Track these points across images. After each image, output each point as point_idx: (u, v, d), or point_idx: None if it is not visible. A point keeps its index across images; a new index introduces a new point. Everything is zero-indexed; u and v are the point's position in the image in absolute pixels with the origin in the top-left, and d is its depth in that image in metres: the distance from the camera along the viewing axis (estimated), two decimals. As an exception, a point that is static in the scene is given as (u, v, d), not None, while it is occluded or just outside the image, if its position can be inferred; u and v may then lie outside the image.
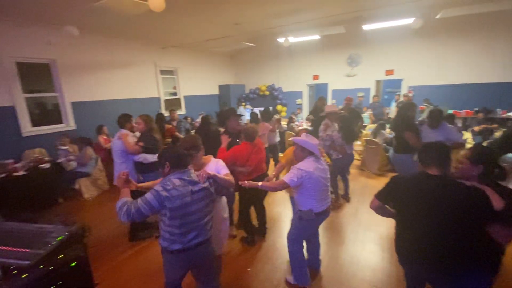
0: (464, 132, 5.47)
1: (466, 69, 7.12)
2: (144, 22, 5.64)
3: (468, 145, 4.81)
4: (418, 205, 1.51)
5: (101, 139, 5.50)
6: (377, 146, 5.40)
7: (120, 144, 3.17)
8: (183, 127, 5.41)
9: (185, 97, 8.96)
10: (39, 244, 1.67)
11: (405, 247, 1.62)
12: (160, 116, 5.75)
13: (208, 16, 5.86)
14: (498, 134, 5.27)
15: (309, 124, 7.67)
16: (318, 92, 10.90)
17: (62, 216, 1.97)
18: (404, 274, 1.85)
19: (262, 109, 5.55)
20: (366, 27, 6.98)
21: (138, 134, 3.41)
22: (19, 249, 1.62)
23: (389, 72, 8.17)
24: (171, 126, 5.30)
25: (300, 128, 7.37)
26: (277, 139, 5.35)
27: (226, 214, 2.23)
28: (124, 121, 3.37)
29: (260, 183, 2.26)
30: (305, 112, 9.82)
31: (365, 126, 7.33)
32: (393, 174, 1.92)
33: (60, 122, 5.73)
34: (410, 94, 7.70)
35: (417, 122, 4.50)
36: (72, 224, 1.92)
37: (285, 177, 2.18)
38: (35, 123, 5.27)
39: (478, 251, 1.44)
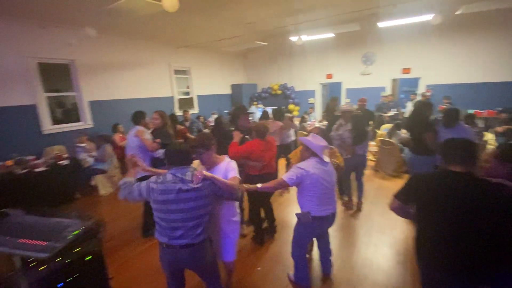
0: (485, 133, 5.23)
1: (488, 67, 6.79)
2: (159, 22, 5.74)
3: (490, 146, 4.59)
4: (447, 205, 1.40)
5: (117, 137, 5.66)
6: (392, 147, 5.25)
7: (137, 140, 3.26)
8: (196, 127, 5.46)
9: (198, 96, 9.06)
10: (56, 238, 1.73)
11: (429, 250, 1.51)
12: (173, 117, 5.85)
13: (221, 16, 5.89)
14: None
15: (322, 123, 7.58)
16: (332, 91, 10.73)
17: (78, 211, 2.03)
18: (420, 279, 1.70)
19: (273, 108, 5.50)
20: (381, 24, 6.79)
21: (149, 131, 3.50)
22: (38, 242, 1.68)
23: (406, 71, 7.93)
24: (183, 127, 5.37)
25: (312, 127, 7.30)
26: (291, 138, 5.18)
27: (235, 218, 2.09)
28: (139, 118, 3.46)
29: (259, 185, 2.21)
30: (318, 111, 9.70)
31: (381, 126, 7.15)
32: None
33: (78, 120, 5.94)
34: (428, 93, 7.44)
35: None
36: (88, 219, 1.98)
37: (284, 175, 2.17)
38: (55, 121, 5.49)
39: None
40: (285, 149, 4.96)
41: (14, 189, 3.92)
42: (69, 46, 5.17)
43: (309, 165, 2.12)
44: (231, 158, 2.83)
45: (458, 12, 5.87)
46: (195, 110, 8.87)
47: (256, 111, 8.63)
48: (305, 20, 6.49)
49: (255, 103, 9.94)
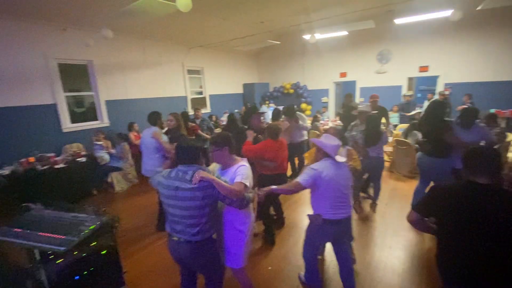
0: (508, 134, 4.97)
1: (510, 65, 6.46)
2: (173, 23, 5.83)
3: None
4: (478, 222, 1.30)
5: (132, 135, 5.79)
6: (408, 147, 5.09)
7: (155, 142, 3.39)
8: (206, 125, 5.48)
9: (211, 96, 9.14)
10: (73, 232, 1.79)
11: (456, 267, 1.40)
12: (184, 114, 5.93)
13: (234, 16, 5.92)
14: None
15: (337, 121, 7.45)
16: (346, 89, 10.54)
17: (94, 207, 2.09)
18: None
19: (284, 106, 5.39)
20: (398, 21, 6.60)
21: (163, 130, 3.58)
22: (56, 235, 1.74)
23: (424, 69, 7.67)
24: (194, 124, 5.44)
25: (327, 127, 7.20)
26: (303, 138, 5.09)
27: (242, 227, 1.93)
28: (155, 118, 3.56)
29: (273, 187, 2.15)
30: (331, 110, 9.56)
31: (396, 126, 6.97)
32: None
33: (96, 119, 6.12)
34: (447, 92, 7.16)
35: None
36: (104, 215, 2.04)
37: (298, 177, 2.08)
38: (73, 120, 5.69)
39: None
40: (295, 148, 4.90)
41: (36, 185, 4.10)
42: (87, 47, 5.34)
43: (322, 166, 2.05)
44: (244, 155, 2.89)
45: (479, 8, 5.61)
46: (207, 110, 8.95)
47: (268, 111, 8.60)
48: (318, 18, 6.41)
49: (267, 102, 9.91)
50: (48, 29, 5.00)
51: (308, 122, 7.76)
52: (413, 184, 3.71)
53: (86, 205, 2.09)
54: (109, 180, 5.13)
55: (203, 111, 8.59)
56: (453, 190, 1.43)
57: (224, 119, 8.55)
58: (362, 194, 4.10)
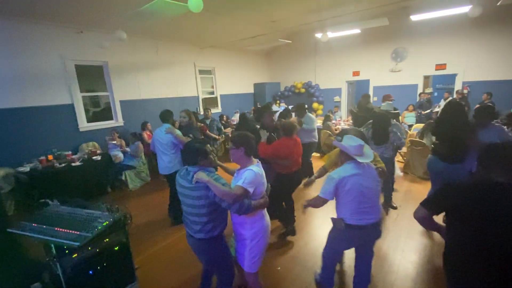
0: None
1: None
2: (185, 24, 5.91)
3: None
4: (488, 220, 1.23)
5: (145, 134, 5.92)
6: (423, 148, 4.94)
7: (170, 136, 3.47)
8: (216, 126, 5.51)
9: (221, 95, 9.20)
10: (87, 228, 1.84)
11: (463, 269, 1.34)
12: (194, 114, 6.01)
13: (245, 15, 5.92)
14: None
15: (349, 120, 7.33)
16: (359, 88, 10.37)
17: (108, 204, 2.14)
18: None
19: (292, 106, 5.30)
20: (414, 17, 6.40)
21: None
22: (71, 231, 1.80)
23: (441, 67, 7.42)
24: (202, 124, 5.50)
25: (338, 126, 7.09)
26: (312, 139, 4.88)
27: (246, 231, 1.90)
28: (167, 116, 3.66)
29: (305, 204, 2.15)
30: (344, 110, 9.41)
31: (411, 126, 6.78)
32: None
33: (111, 118, 6.30)
34: (465, 91, 6.90)
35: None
36: (116, 212, 2.09)
37: (320, 191, 2.00)
38: (89, 120, 5.87)
39: None
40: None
41: (53, 182, 4.26)
42: (102, 49, 5.49)
43: (342, 172, 1.95)
44: (262, 156, 2.92)
45: (499, 3, 5.37)
46: (218, 109, 9.02)
47: (279, 110, 8.57)
48: (330, 16, 6.31)
49: (277, 101, 9.88)
50: (66, 32, 5.18)
51: (319, 122, 7.70)
52: (429, 186, 3.59)
53: (99, 202, 2.15)
54: (122, 178, 5.26)
55: (214, 110, 8.69)
56: (467, 187, 1.36)
57: (235, 119, 8.59)
58: None
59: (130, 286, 2.21)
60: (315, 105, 9.59)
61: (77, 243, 1.70)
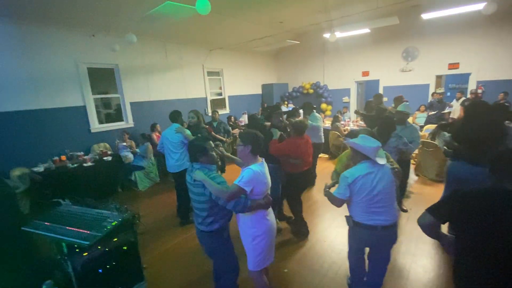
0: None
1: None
2: (193, 26, 5.97)
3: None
4: (499, 231, 1.16)
5: (154, 135, 6.00)
6: (435, 149, 4.82)
7: (180, 136, 3.57)
8: (223, 128, 5.52)
9: (229, 96, 9.24)
10: (97, 227, 1.89)
11: (473, 283, 1.27)
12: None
13: (253, 16, 5.94)
14: None
15: (358, 121, 7.23)
16: (368, 89, 10.22)
17: (117, 204, 2.19)
18: None
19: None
20: (425, 16, 6.26)
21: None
22: (81, 230, 1.84)
23: (454, 66, 7.22)
24: (207, 126, 5.54)
25: (347, 127, 7.01)
26: (318, 140, 4.77)
27: (248, 230, 1.93)
28: (176, 116, 3.77)
29: (325, 193, 2.14)
30: (353, 110, 9.29)
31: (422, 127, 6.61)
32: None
33: (121, 120, 6.42)
34: (480, 91, 6.69)
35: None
36: (125, 212, 2.13)
37: (334, 191, 1.99)
38: (101, 121, 6.01)
39: None
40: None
41: (66, 181, 4.37)
42: (113, 52, 5.62)
43: (356, 171, 1.92)
44: (273, 154, 2.98)
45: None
46: (226, 110, 9.07)
47: (287, 110, 8.54)
48: (338, 16, 6.25)
49: (285, 102, 9.85)
50: (79, 36, 5.33)
51: (327, 123, 7.62)
52: (441, 189, 3.50)
53: (109, 202, 2.19)
54: (132, 178, 5.35)
55: (222, 112, 8.73)
56: (477, 195, 1.28)
57: (242, 120, 8.61)
58: None
59: (138, 285, 2.24)
60: (323, 105, 9.51)
61: (87, 242, 1.74)
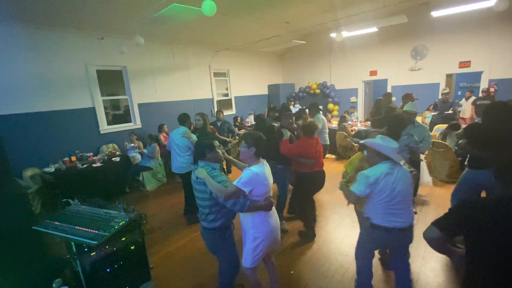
0: None
1: None
2: (200, 27, 6.01)
3: None
4: None
5: (162, 136, 6.07)
6: (446, 149, 4.71)
7: (186, 140, 3.62)
8: (227, 128, 5.51)
9: (236, 97, 9.27)
10: (105, 227, 1.91)
11: None
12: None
13: (258, 17, 5.94)
14: None
15: (366, 121, 7.13)
16: (376, 88, 10.09)
17: (124, 204, 2.21)
18: None
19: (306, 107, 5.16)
20: (435, 13, 6.14)
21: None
22: (89, 229, 1.87)
23: (465, 64, 7.06)
24: (211, 126, 5.57)
25: (354, 127, 6.92)
26: (324, 142, 4.72)
27: (248, 229, 1.97)
28: (184, 119, 3.80)
29: (340, 186, 2.12)
30: (360, 111, 9.19)
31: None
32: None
33: (129, 121, 6.52)
34: (492, 89, 6.51)
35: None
36: (132, 212, 2.15)
37: (352, 186, 1.94)
38: (109, 122, 6.11)
39: None
40: None
41: (76, 182, 4.46)
42: (121, 54, 5.71)
43: (378, 171, 1.87)
44: (284, 154, 3.00)
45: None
46: (232, 111, 9.09)
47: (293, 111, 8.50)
48: (345, 15, 6.19)
49: (292, 103, 9.81)
50: (88, 39, 5.44)
51: (334, 123, 7.56)
52: (451, 190, 3.41)
53: (117, 202, 2.22)
54: (140, 179, 5.42)
55: (229, 112, 8.76)
56: (488, 205, 1.19)
57: (249, 120, 8.62)
58: None
59: (145, 284, 2.27)
60: (330, 105, 9.43)
61: (95, 242, 1.76)
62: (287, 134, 3.15)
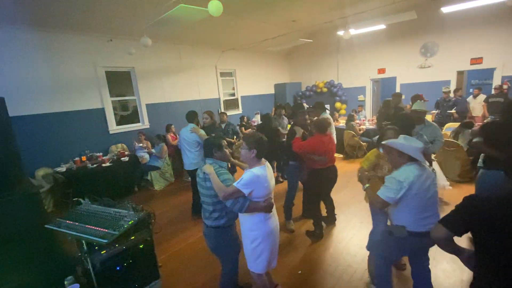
0: None
1: None
2: (206, 27, 6.03)
3: None
4: None
5: (169, 136, 6.13)
6: (457, 148, 4.61)
7: (194, 136, 3.68)
8: (231, 129, 5.51)
9: (242, 97, 9.28)
10: (115, 226, 1.94)
11: None
12: None
13: (265, 16, 5.92)
14: None
15: (374, 120, 7.03)
16: (384, 87, 9.94)
17: (133, 203, 2.24)
18: None
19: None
20: (446, 9, 6.00)
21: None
22: (100, 228, 1.90)
23: (476, 61, 6.88)
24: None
25: (363, 126, 6.84)
26: None
27: (247, 231, 1.97)
28: (192, 116, 3.86)
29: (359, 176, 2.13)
30: (368, 109, 9.08)
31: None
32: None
33: (138, 121, 6.60)
34: (505, 86, 6.33)
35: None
36: (141, 211, 2.18)
37: (380, 192, 1.81)
38: (118, 123, 6.20)
39: None
40: None
41: (86, 181, 4.54)
42: (129, 55, 5.78)
43: (409, 175, 1.74)
44: (296, 152, 3.01)
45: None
46: (239, 111, 9.11)
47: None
48: (353, 13, 6.11)
49: (298, 101, 9.76)
50: (97, 41, 5.53)
51: (342, 122, 7.48)
52: (463, 190, 3.35)
53: (126, 202, 2.25)
54: (148, 178, 5.48)
55: (235, 112, 8.78)
56: (496, 202, 1.14)
57: (255, 120, 8.61)
58: None
59: (154, 283, 2.29)
60: (337, 104, 9.34)
61: (105, 240, 1.79)
62: (300, 132, 3.15)
